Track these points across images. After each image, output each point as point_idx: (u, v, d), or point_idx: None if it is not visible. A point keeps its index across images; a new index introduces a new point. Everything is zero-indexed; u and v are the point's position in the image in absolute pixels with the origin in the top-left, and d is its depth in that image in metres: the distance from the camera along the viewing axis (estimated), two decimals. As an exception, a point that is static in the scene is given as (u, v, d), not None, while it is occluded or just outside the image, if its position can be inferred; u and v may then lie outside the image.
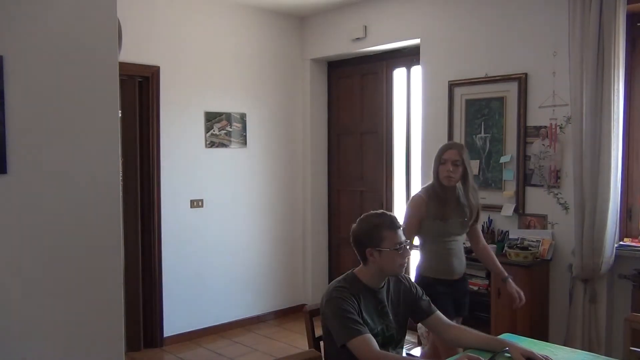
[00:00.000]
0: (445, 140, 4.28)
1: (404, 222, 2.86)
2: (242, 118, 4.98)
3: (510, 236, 3.85)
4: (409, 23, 4.54)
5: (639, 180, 3.58)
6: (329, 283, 2.78)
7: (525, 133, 3.83)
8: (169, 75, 4.50)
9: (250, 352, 4.47)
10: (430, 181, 3.08)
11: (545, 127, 3.73)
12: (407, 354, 4.07)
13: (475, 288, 3.83)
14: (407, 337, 2.41)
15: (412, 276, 3.08)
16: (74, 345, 1.93)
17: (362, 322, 2.12)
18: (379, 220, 2.21)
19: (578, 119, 3.40)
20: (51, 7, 1.86)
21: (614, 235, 3.36)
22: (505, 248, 3.75)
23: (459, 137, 4.21)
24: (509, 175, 3.92)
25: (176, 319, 4.60)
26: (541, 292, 3.71)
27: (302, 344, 4.33)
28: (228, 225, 4.92)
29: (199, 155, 4.71)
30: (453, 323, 2.39)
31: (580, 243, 3.41)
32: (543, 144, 3.74)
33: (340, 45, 5.08)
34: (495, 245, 3.79)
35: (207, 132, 4.75)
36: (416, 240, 3.05)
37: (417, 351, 4.22)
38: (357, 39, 4.91)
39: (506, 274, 3.07)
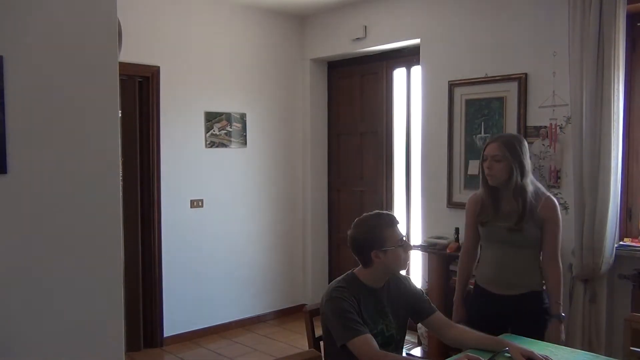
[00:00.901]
0: (445, 140, 4.29)
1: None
2: (242, 118, 4.98)
3: (510, 236, 3.84)
4: (409, 23, 4.53)
5: (639, 180, 3.58)
6: (329, 283, 2.78)
7: (525, 133, 3.82)
8: (169, 75, 4.50)
9: (250, 352, 4.47)
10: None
11: (545, 127, 3.73)
12: (407, 354, 4.07)
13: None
14: (407, 337, 2.41)
15: (412, 277, 3.07)
16: (73, 345, 1.93)
17: (362, 322, 2.12)
18: (377, 221, 2.21)
19: (578, 119, 3.40)
20: (51, 7, 1.86)
21: (614, 235, 3.35)
22: (505, 248, 3.74)
23: (459, 137, 4.21)
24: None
25: (176, 319, 4.60)
26: (541, 292, 3.68)
27: (302, 344, 4.33)
28: (228, 225, 4.92)
29: (199, 155, 4.71)
30: (453, 323, 2.39)
31: (580, 243, 3.41)
32: (543, 144, 3.74)
33: (340, 45, 5.08)
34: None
35: (207, 132, 4.75)
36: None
37: (417, 351, 4.22)
38: (357, 39, 4.91)
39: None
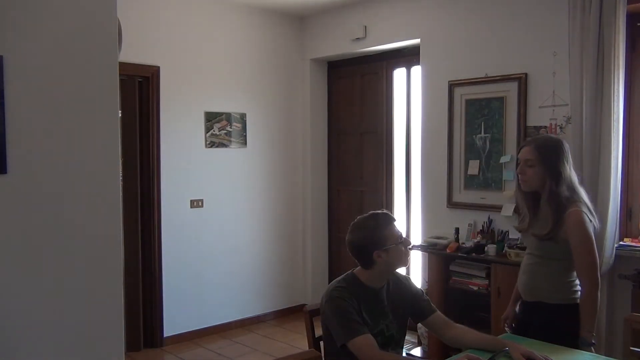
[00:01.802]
0: (445, 140, 4.29)
1: None
2: (242, 118, 4.98)
3: (510, 236, 3.84)
4: (409, 23, 4.54)
5: (639, 180, 3.58)
6: (329, 283, 2.78)
7: (525, 133, 3.82)
8: (169, 75, 4.50)
9: (250, 352, 4.47)
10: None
11: (545, 127, 3.73)
12: (407, 354, 4.07)
13: (475, 288, 3.83)
14: (407, 337, 2.41)
15: (412, 277, 3.07)
16: (73, 345, 1.93)
17: (362, 322, 2.12)
18: (375, 222, 2.21)
19: (578, 119, 3.40)
20: (51, 7, 1.86)
21: (614, 235, 3.35)
22: (505, 248, 3.75)
23: (459, 137, 4.21)
24: (509, 176, 3.91)
25: (176, 319, 4.60)
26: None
27: (302, 344, 4.33)
28: (228, 225, 4.93)
29: (199, 155, 4.71)
30: (453, 323, 2.39)
31: (580, 243, 3.40)
32: (543, 144, 3.73)
33: (340, 45, 5.08)
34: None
35: (207, 132, 4.75)
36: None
37: (417, 351, 4.22)
38: (357, 39, 4.91)
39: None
